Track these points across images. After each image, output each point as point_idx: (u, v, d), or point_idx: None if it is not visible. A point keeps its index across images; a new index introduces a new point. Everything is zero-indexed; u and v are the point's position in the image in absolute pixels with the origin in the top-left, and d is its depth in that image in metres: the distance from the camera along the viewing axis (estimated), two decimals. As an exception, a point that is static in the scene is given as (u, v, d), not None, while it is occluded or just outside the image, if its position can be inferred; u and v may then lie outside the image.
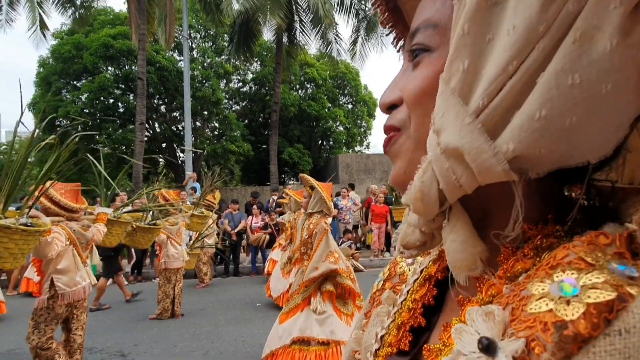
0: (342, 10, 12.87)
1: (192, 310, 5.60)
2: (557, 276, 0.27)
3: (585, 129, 0.28)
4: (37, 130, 2.64)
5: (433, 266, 0.45)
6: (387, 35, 0.47)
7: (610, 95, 0.27)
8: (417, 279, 0.46)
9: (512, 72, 0.29)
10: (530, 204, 0.33)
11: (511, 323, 0.28)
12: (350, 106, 20.31)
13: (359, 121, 20.25)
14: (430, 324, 0.41)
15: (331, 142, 19.92)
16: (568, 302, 0.25)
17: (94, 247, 6.03)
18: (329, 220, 3.65)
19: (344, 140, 19.70)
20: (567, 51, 0.27)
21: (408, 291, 0.46)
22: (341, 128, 19.62)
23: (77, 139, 2.81)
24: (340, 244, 8.48)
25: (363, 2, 13.04)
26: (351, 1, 12.77)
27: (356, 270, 8.22)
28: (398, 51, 0.47)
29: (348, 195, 9.65)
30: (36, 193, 2.66)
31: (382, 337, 0.45)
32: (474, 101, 0.30)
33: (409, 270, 0.51)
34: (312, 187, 3.70)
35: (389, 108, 0.39)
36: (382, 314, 0.48)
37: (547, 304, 0.26)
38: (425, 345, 0.36)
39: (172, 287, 5.33)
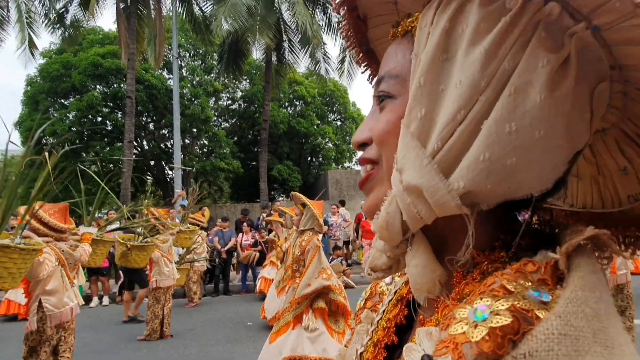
0: (329, 30, 13.20)
1: (182, 331, 5.51)
2: (476, 303, 0.32)
3: (524, 168, 0.33)
4: (24, 148, 2.66)
5: (405, 287, 0.49)
6: (362, 73, 0.56)
7: (542, 140, 0.32)
8: (392, 299, 0.50)
9: (461, 120, 0.34)
10: (482, 232, 0.37)
11: (444, 343, 0.32)
12: (339, 123, 20.58)
13: (347, 137, 20.49)
14: (402, 342, 0.44)
15: (320, 159, 20.08)
16: (476, 326, 0.30)
17: (80, 267, 5.99)
18: (320, 237, 3.69)
19: (333, 157, 19.86)
20: (504, 103, 0.32)
21: (383, 311, 0.50)
22: (330, 144, 19.82)
23: (61, 155, 2.82)
24: (331, 261, 8.48)
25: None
26: (339, 22, 13.09)
27: (347, 286, 8.20)
28: (373, 86, 0.53)
29: (338, 212, 9.70)
30: (27, 215, 2.66)
31: (361, 353, 0.48)
32: (430, 144, 0.35)
33: (387, 289, 0.55)
34: (304, 205, 3.75)
35: (361, 145, 0.45)
36: (361, 332, 0.51)
37: (462, 327, 0.31)
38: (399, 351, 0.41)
39: (161, 307, 5.25)
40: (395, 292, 0.51)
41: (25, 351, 3.15)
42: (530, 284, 0.32)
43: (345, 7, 0.49)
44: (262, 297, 6.38)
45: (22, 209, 2.88)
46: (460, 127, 0.34)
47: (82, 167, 3.42)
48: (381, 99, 0.42)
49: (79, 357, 3.62)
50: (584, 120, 0.35)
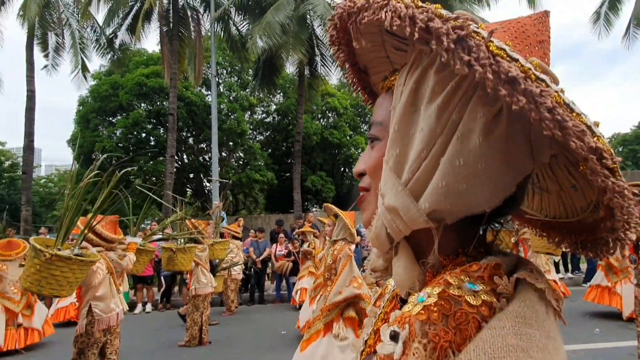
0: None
1: (220, 338, 5.69)
2: (422, 292, 0.44)
3: (473, 192, 0.43)
4: (76, 165, 2.92)
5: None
6: (360, 97, 0.68)
7: (484, 171, 0.42)
8: (389, 297, 0.62)
9: (424, 157, 0.45)
10: (448, 241, 0.48)
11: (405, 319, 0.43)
12: (371, 133, 20.54)
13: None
14: None
15: (353, 169, 20.08)
16: (416, 305, 0.43)
17: (125, 275, 6.37)
18: (353, 247, 3.72)
19: (366, 167, 19.79)
20: (454, 144, 0.43)
21: (383, 306, 0.61)
22: (363, 155, 19.79)
23: (118, 175, 3.08)
24: (362, 271, 8.42)
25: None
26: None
27: (381, 298, 8.11)
28: (369, 104, 0.66)
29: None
30: (86, 229, 2.91)
31: (365, 341, 0.59)
32: (403, 175, 0.46)
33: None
34: (336, 215, 3.82)
35: (360, 175, 0.57)
36: (368, 324, 0.63)
37: (409, 307, 0.43)
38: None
39: (200, 314, 5.46)
40: (392, 291, 0.62)
41: (75, 353, 3.39)
42: (469, 279, 0.43)
43: (348, 63, 0.62)
44: (300, 307, 6.47)
45: (80, 222, 3.15)
46: (425, 162, 0.45)
47: (132, 181, 3.73)
48: (372, 140, 0.55)
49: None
50: (521, 153, 0.44)
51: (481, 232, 0.50)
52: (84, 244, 2.82)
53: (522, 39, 0.47)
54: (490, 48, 0.39)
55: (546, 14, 0.51)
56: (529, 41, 0.48)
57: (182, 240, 4.39)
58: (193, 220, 5.34)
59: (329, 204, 3.86)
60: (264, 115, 20.09)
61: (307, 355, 3.29)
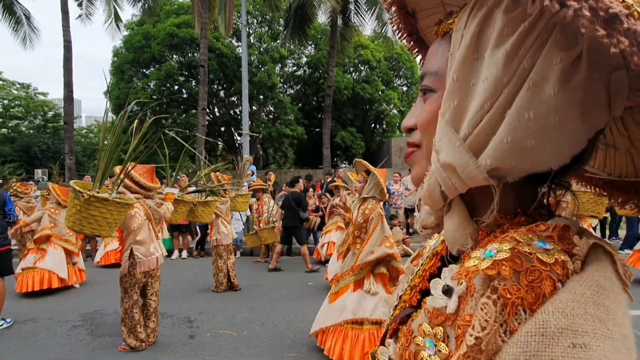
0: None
1: (249, 285, 5.98)
2: (488, 246, 0.41)
3: (541, 149, 0.39)
4: (114, 116, 2.97)
5: (440, 245, 0.58)
6: (413, 59, 0.60)
7: (558, 125, 0.38)
8: (429, 254, 0.60)
9: (488, 109, 0.40)
10: (507, 199, 0.45)
11: (463, 275, 0.41)
12: (405, 88, 19.76)
13: (413, 104, 19.58)
14: None
15: (384, 126, 19.59)
16: (484, 259, 0.40)
17: (164, 223, 6.73)
18: (382, 205, 3.67)
19: (397, 124, 19.27)
20: (524, 95, 0.38)
21: (422, 264, 0.60)
22: (395, 111, 19.18)
23: (149, 121, 3.12)
24: (391, 228, 8.47)
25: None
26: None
27: (406, 255, 8.19)
28: (415, 53, 0.62)
29: (400, 180, 9.54)
30: (122, 174, 3.02)
31: (400, 296, 0.58)
32: (462, 130, 0.42)
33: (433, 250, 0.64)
34: (368, 172, 3.74)
35: (409, 130, 0.53)
36: (403, 280, 0.62)
37: (474, 262, 0.40)
38: (424, 299, 0.49)
39: (223, 262, 5.71)
40: (433, 248, 0.60)
41: (121, 291, 3.68)
42: (538, 237, 0.40)
43: (395, 6, 0.57)
44: (326, 260, 6.65)
45: (117, 169, 3.27)
46: (487, 116, 0.40)
47: (167, 132, 3.80)
48: (424, 92, 0.50)
49: (163, 302, 4.13)
50: (599, 105, 0.40)
51: (541, 192, 0.47)
52: (122, 189, 2.94)
53: None
54: None
55: None
56: None
57: (210, 194, 4.51)
58: (218, 174, 5.43)
59: (360, 160, 3.77)
60: (294, 68, 19.62)
61: (337, 306, 3.40)
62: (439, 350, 0.40)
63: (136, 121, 3.14)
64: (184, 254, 8.54)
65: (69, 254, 5.88)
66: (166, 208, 3.84)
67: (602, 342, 0.32)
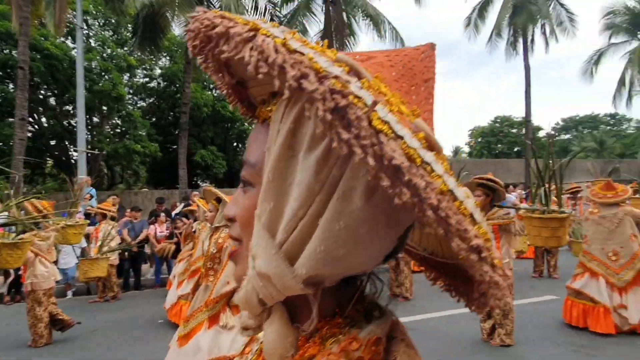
0: (255, 12, 12.78)
1: (82, 333, 5.01)
2: None
3: (354, 256, 0.39)
4: None
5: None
6: (237, 109, 0.56)
7: (367, 234, 0.38)
8: (257, 348, 0.56)
9: (302, 216, 0.38)
10: (327, 302, 0.44)
11: None
12: (266, 108, 20.20)
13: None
14: None
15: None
16: None
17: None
18: None
19: (259, 143, 19.48)
20: (334, 204, 0.37)
21: (250, 358, 0.56)
22: (257, 131, 19.38)
23: None
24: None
25: (275, 5, 13.11)
26: (265, 6, 12.76)
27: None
28: (249, 118, 0.55)
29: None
30: None
31: None
32: (278, 235, 0.40)
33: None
34: (219, 200, 3.60)
35: (230, 220, 0.49)
36: None
37: None
38: None
39: (44, 309, 4.68)
40: (261, 342, 0.56)
41: None
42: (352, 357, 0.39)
43: (220, 73, 0.50)
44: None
45: None
46: (301, 222, 0.39)
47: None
48: (243, 183, 0.47)
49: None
50: (404, 208, 0.40)
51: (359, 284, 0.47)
52: None
53: (408, 77, 0.44)
54: (373, 123, 0.33)
55: (432, 47, 0.48)
56: (416, 80, 0.44)
57: (16, 230, 3.63)
58: (34, 201, 4.41)
59: (210, 188, 3.62)
60: (146, 79, 18.02)
61: (189, 349, 3.11)
62: None
63: None
64: (-10, 301, 6.72)
65: None
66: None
67: None
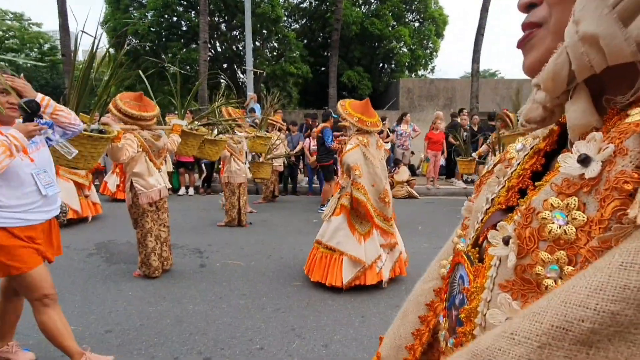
0: None
1: (256, 221, 6.13)
2: None
3: None
4: (112, 50, 2.77)
5: (543, 142, 0.54)
6: None
7: None
8: (527, 154, 0.55)
9: None
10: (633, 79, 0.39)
11: (607, 141, 0.37)
12: (417, 24, 18.63)
13: (425, 42, 18.66)
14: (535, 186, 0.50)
15: (393, 65, 18.80)
16: None
17: (168, 156, 6.68)
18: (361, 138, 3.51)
19: (407, 64, 18.47)
20: None
21: (518, 164, 0.55)
22: (405, 49, 18.28)
23: (125, 49, 2.88)
24: (396, 170, 8.47)
25: None
26: None
27: (411, 196, 8.27)
28: None
29: (408, 121, 9.35)
30: (96, 103, 2.88)
31: (492, 199, 0.55)
32: None
33: (517, 155, 0.59)
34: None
35: (528, 7, 0.46)
36: (492, 183, 0.57)
37: (638, 115, 0.36)
38: (529, 187, 0.46)
39: (237, 198, 5.81)
40: (531, 148, 0.55)
41: (132, 222, 3.77)
42: None
43: None
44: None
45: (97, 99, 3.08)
46: None
47: (166, 68, 3.60)
48: None
49: (172, 233, 4.24)
50: None
51: None
52: (107, 120, 2.82)
53: None
54: None
55: None
56: None
57: (222, 130, 4.38)
58: (229, 108, 5.25)
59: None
60: (300, -1, 18.41)
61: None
62: (574, 219, 0.37)
63: (106, 51, 2.89)
64: (191, 191, 8.67)
65: (79, 186, 5.94)
66: (170, 140, 3.78)
67: None
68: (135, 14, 15.38)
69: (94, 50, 2.51)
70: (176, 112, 7.08)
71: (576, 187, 0.38)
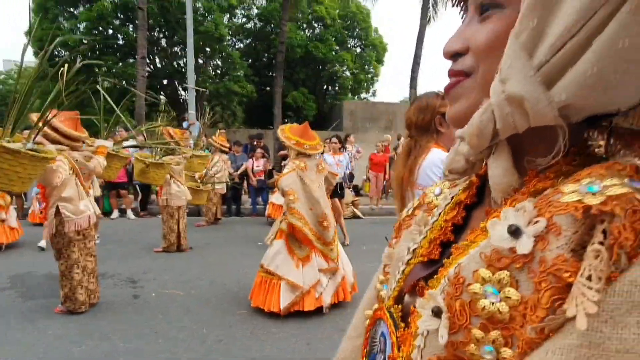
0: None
1: (199, 245, 5.84)
2: (583, 182, 0.35)
3: (625, 85, 0.34)
4: (37, 59, 2.58)
5: (463, 193, 0.53)
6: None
7: None
8: (449, 203, 0.54)
9: (574, 33, 0.33)
10: (552, 141, 0.39)
11: (538, 214, 0.36)
12: (358, 50, 19.51)
13: (366, 67, 19.56)
14: (456, 240, 0.49)
15: (337, 88, 19.41)
16: (593, 195, 0.33)
17: (95, 179, 6.22)
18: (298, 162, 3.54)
19: (349, 87, 19.16)
20: (621, 19, 0.31)
21: (439, 213, 0.54)
22: (348, 73, 19.00)
23: (79, 67, 2.76)
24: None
25: None
26: None
27: (355, 217, 8.44)
28: (455, 5, 0.50)
29: (352, 142, 9.63)
30: (40, 122, 2.66)
31: (414, 250, 0.53)
32: (537, 56, 0.35)
33: (436, 199, 0.59)
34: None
35: (453, 56, 0.44)
36: (414, 232, 0.56)
37: (576, 196, 0.34)
38: (453, 245, 0.45)
39: (175, 222, 5.50)
40: (451, 198, 0.55)
41: (55, 254, 3.40)
42: (622, 176, 0.34)
43: None
44: (272, 221, 6.64)
45: (34, 116, 2.86)
46: (572, 41, 0.34)
47: (99, 81, 3.38)
48: (485, 8, 0.42)
49: (103, 263, 3.90)
50: None
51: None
52: (40, 139, 2.59)
53: None
54: None
55: None
56: None
57: (159, 154, 4.17)
58: (169, 128, 5.03)
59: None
60: (244, 19, 18.47)
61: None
62: (507, 297, 0.35)
63: (66, 65, 2.74)
64: (130, 213, 8.08)
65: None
66: (97, 162, 3.50)
67: None
68: (65, 24, 14.38)
69: (21, 61, 2.30)
70: (120, 130, 6.65)
71: (507, 261, 0.36)
